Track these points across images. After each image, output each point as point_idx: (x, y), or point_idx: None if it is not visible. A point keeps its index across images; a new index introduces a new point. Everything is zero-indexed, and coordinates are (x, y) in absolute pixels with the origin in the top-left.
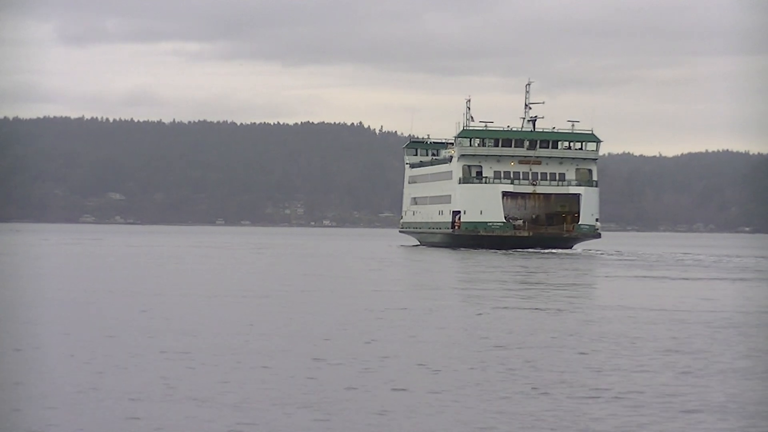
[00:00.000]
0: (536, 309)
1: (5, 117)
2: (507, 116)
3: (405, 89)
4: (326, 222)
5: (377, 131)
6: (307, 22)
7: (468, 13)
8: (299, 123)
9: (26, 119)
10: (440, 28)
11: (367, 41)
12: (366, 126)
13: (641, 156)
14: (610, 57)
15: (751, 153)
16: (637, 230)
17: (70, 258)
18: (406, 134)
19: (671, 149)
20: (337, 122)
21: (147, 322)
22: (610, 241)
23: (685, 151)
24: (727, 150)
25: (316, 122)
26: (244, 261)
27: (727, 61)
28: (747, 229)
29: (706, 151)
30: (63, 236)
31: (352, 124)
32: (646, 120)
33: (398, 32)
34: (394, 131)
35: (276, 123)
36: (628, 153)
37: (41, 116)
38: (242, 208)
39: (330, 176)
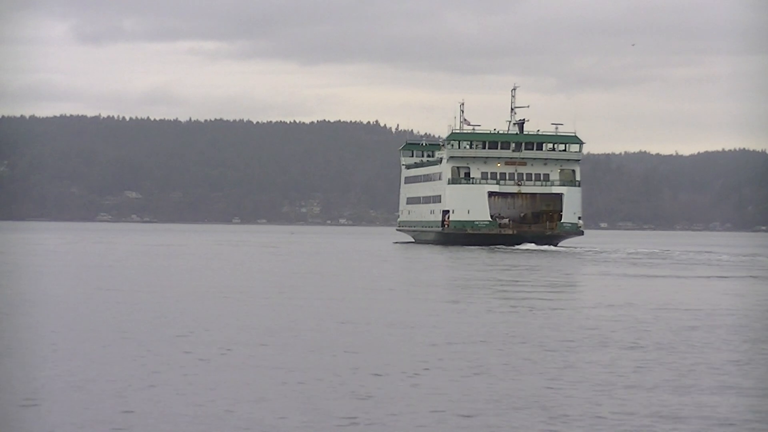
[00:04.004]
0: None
1: (22, 115)
2: (524, 114)
3: (422, 88)
4: (342, 221)
5: (393, 130)
6: (324, 21)
7: (487, 12)
8: (316, 122)
9: (43, 117)
10: (459, 27)
11: (384, 40)
12: (382, 125)
13: (658, 155)
14: (628, 56)
15: None
16: (653, 229)
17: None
18: (422, 133)
19: (688, 148)
20: (353, 121)
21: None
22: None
23: (702, 150)
24: (744, 149)
25: (332, 121)
26: (241, 261)
27: (745, 60)
28: (764, 227)
29: (723, 149)
30: (82, 234)
31: (369, 122)
32: (663, 119)
33: (416, 31)
34: (410, 130)
35: (293, 122)
36: (645, 152)
37: (58, 114)
38: (259, 207)
39: (346, 175)
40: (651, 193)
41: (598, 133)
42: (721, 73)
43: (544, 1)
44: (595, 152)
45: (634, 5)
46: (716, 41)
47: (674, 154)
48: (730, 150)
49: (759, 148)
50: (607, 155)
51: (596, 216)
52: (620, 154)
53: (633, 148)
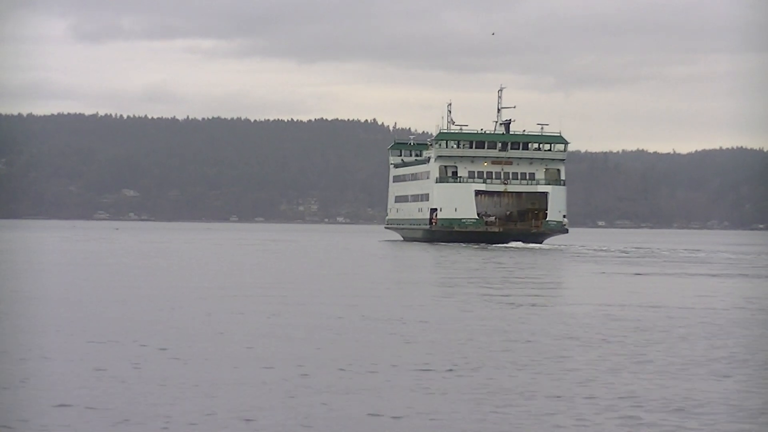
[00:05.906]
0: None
1: (19, 113)
2: (520, 113)
3: (420, 86)
4: (340, 219)
5: (391, 128)
6: (322, 20)
7: (486, 11)
8: (313, 120)
9: (41, 115)
10: (458, 25)
11: (383, 38)
12: (380, 123)
13: (655, 153)
14: (627, 54)
15: (765, 150)
16: (651, 227)
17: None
18: (420, 131)
19: (686, 146)
20: (351, 119)
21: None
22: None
23: (700, 148)
24: (742, 147)
25: (330, 119)
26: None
27: (743, 58)
28: (761, 226)
29: (721, 148)
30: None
31: (366, 120)
32: (661, 117)
33: (415, 29)
34: (408, 128)
35: (290, 120)
36: (643, 150)
37: (56, 113)
38: (256, 205)
39: (344, 173)
40: (648, 192)
41: (596, 131)
42: (719, 72)
43: (543, 0)
44: (593, 150)
45: (633, 4)
46: (714, 40)
47: (672, 152)
48: (727, 148)
49: (756, 147)
50: (605, 153)
51: (593, 214)
52: (618, 152)
53: (631, 147)
